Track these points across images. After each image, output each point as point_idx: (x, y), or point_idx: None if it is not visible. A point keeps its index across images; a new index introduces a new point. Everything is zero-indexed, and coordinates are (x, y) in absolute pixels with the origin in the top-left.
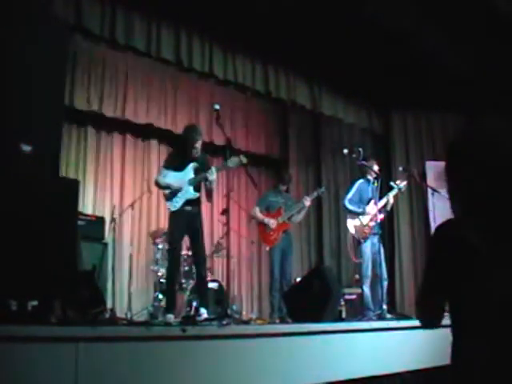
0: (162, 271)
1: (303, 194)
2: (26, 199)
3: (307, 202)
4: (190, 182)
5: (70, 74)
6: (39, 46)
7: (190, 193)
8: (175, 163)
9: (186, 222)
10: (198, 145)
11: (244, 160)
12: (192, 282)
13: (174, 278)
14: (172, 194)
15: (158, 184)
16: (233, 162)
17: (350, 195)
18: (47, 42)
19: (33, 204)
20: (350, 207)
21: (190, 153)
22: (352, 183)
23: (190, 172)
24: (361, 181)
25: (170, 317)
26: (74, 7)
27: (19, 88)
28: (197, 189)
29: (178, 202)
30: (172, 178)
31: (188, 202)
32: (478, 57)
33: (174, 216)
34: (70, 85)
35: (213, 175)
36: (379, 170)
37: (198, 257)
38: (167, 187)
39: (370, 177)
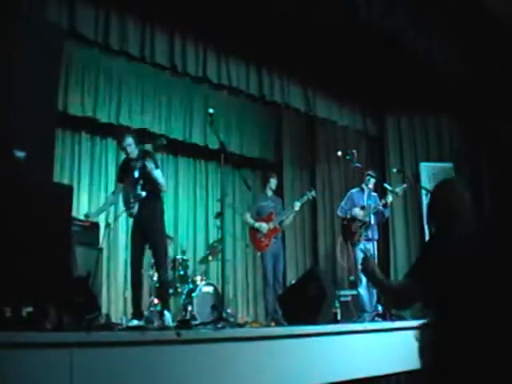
0: (157, 276)
1: (297, 197)
2: (20, 205)
3: (297, 207)
4: (136, 182)
5: (64, 80)
6: (33, 51)
7: (137, 193)
8: (127, 170)
9: (142, 230)
10: (129, 149)
11: (162, 141)
12: (187, 287)
13: (135, 282)
14: (126, 201)
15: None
16: (153, 146)
17: (342, 203)
18: (41, 47)
19: (27, 210)
20: (340, 215)
21: (129, 157)
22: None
23: (135, 173)
24: (355, 189)
25: (134, 322)
26: (67, 12)
27: (12, 93)
28: (143, 188)
29: (133, 208)
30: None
31: (143, 206)
32: (472, 59)
33: (134, 221)
34: (64, 90)
35: (151, 164)
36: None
37: (156, 259)
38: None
39: (364, 186)
